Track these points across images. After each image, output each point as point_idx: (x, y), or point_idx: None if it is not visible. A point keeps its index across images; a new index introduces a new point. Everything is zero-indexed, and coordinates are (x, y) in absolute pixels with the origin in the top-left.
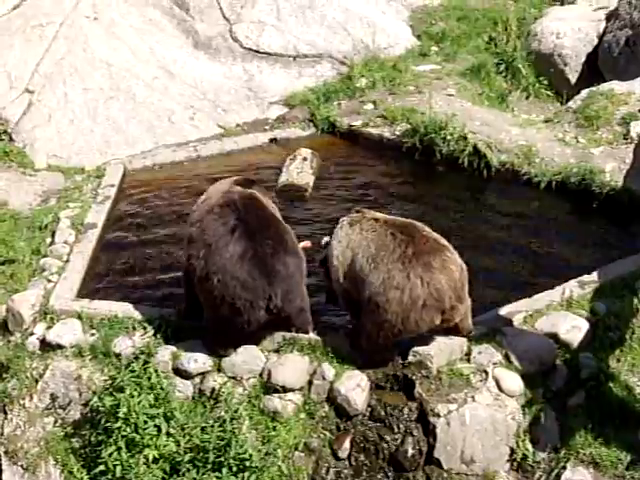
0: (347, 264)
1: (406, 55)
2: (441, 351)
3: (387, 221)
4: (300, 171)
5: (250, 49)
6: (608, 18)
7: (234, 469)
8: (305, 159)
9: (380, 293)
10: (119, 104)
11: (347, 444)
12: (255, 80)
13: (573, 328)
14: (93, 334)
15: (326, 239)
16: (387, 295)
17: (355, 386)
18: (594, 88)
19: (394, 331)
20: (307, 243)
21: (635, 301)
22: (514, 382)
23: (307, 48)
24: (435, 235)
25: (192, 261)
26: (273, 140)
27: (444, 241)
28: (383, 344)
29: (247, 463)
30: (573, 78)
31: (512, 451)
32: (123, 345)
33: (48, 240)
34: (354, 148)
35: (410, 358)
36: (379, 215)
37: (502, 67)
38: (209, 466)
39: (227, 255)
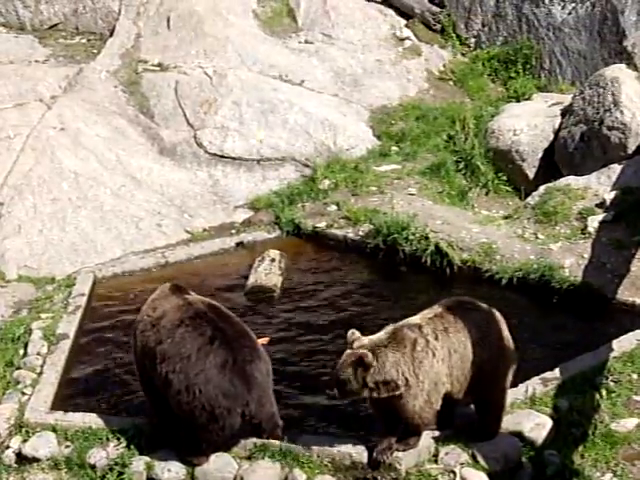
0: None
1: (367, 156)
2: (409, 453)
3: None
4: (268, 272)
5: (214, 154)
6: (563, 114)
7: None
8: (273, 260)
9: None
10: (87, 213)
11: None
12: (220, 184)
13: (537, 426)
14: (68, 446)
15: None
16: None
17: None
18: (551, 184)
19: None
20: (265, 339)
21: (597, 396)
22: None
23: (270, 152)
24: None
25: (169, 377)
26: (239, 244)
27: None
28: None
29: None
30: (531, 173)
31: None
32: (98, 456)
33: (21, 352)
34: (319, 249)
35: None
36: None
37: (461, 165)
38: None
39: (208, 365)
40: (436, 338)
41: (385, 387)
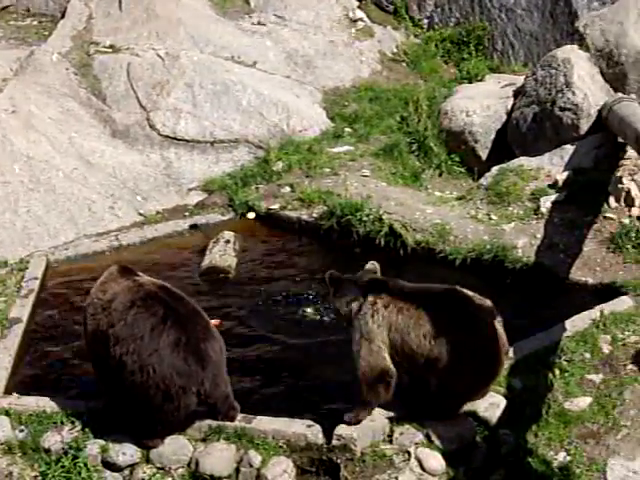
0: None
1: (321, 137)
2: (364, 433)
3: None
4: (223, 253)
5: (167, 136)
6: (516, 95)
7: None
8: (228, 241)
9: None
10: (39, 196)
11: None
12: (173, 167)
13: (491, 405)
14: (22, 430)
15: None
16: None
17: (282, 472)
18: (504, 165)
19: None
20: (217, 321)
21: (550, 376)
22: (436, 461)
23: (224, 133)
24: None
25: (123, 358)
26: (194, 226)
27: None
28: None
29: None
30: (484, 154)
31: None
32: (52, 440)
33: None
34: (273, 231)
35: (334, 442)
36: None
37: (414, 146)
38: None
39: (162, 344)
40: (385, 307)
41: (336, 313)
